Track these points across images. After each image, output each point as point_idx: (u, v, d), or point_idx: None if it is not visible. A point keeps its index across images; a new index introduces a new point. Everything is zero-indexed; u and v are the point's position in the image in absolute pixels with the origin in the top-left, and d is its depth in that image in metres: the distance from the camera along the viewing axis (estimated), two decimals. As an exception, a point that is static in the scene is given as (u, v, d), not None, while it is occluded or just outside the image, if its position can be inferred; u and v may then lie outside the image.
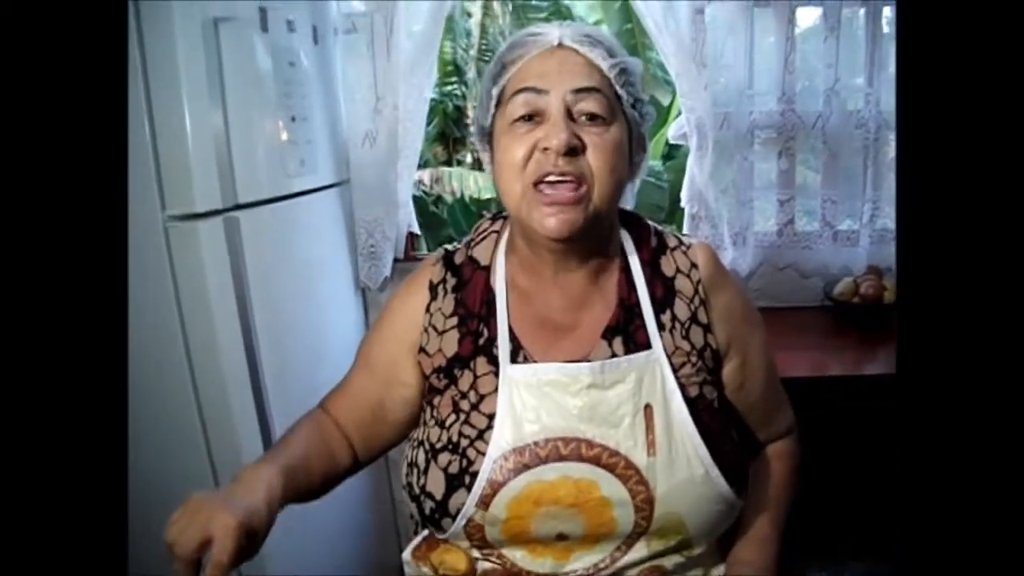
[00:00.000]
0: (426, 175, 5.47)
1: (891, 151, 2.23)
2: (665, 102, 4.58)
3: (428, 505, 1.00)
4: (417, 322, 1.08)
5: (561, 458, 0.97)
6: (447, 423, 1.02)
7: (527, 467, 0.96)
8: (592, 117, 0.97)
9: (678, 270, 1.07)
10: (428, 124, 2.39)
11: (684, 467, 0.97)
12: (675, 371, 1.01)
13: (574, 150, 0.95)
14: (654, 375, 1.00)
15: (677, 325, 1.04)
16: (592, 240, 1.02)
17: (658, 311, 1.04)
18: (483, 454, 0.98)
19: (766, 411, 1.17)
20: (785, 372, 1.22)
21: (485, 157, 1.08)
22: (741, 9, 2.12)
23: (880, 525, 1.79)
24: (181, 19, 1.45)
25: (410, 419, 1.12)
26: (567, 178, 0.95)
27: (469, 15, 6.23)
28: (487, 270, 1.08)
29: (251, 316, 1.60)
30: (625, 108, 1.01)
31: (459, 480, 0.98)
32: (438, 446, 1.01)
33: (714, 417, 1.04)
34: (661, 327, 1.03)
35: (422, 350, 1.07)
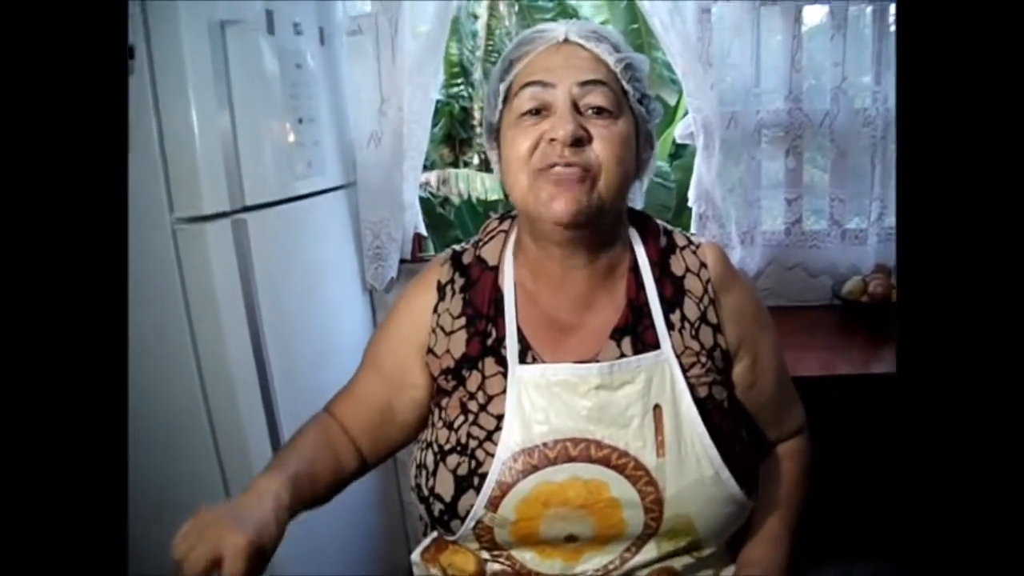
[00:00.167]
0: (433, 176, 5.46)
1: (898, 149, 2.22)
2: (672, 102, 4.57)
3: (437, 507, 0.99)
4: (425, 322, 1.08)
5: (570, 459, 0.96)
6: (455, 424, 1.02)
7: (536, 468, 0.96)
8: (599, 110, 0.97)
9: (687, 269, 1.07)
10: (434, 126, 2.39)
11: (694, 468, 0.97)
12: (684, 371, 1.01)
13: (580, 141, 0.95)
14: (663, 375, 1.00)
15: (686, 325, 1.04)
16: (599, 234, 1.02)
17: (667, 311, 1.04)
18: (492, 455, 0.97)
19: (777, 411, 1.16)
20: (794, 371, 1.21)
21: (493, 156, 1.07)
22: (747, 8, 2.11)
23: (889, 525, 1.78)
24: (188, 21, 1.45)
25: (418, 421, 1.11)
26: (573, 167, 0.95)
27: (475, 16, 6.22)
28: (495, 270, 1.08)
29: (259, 318, 1.60)
30: (632, 103, 1.00)
31: (468, 482, 0.98)
32: (447, 448, 1.01)
33: (724, 417, 1.03)
34: (670, 327, 1.03)
35: (430, 351, 1.07)
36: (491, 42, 6.19)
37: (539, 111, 0.97)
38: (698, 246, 1.09)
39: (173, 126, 1.47)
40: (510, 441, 0.97)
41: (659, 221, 1.13)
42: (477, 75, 6.20)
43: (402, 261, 2.35)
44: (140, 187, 1.39)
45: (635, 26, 4.67)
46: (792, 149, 2.23)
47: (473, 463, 0.98)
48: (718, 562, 1.08)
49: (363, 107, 2.21)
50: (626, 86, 1.00)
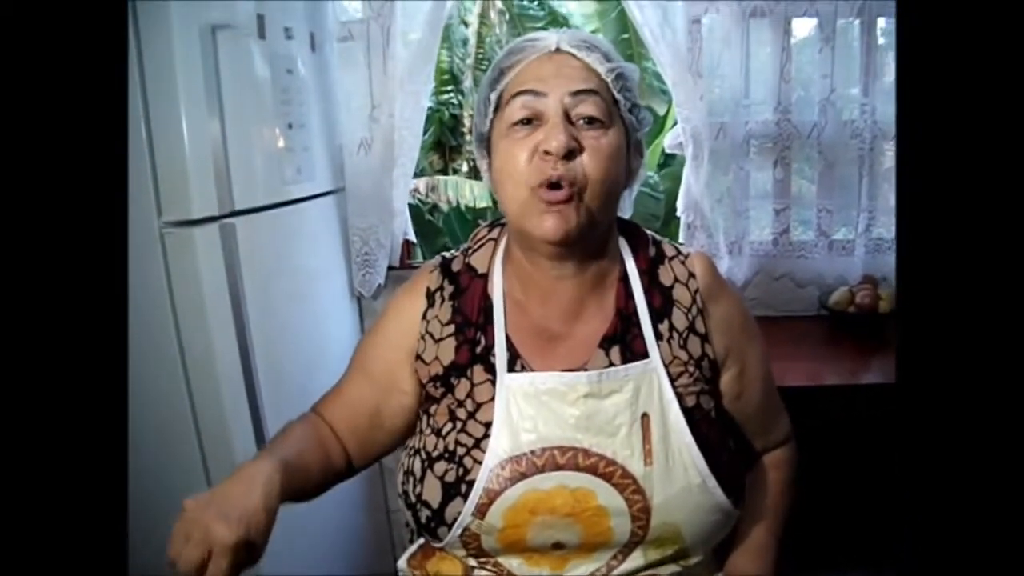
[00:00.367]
0: (422, 184, 5.47)
1: (887, 161, 2.24)
2: (661, 112, 4.60)
3: (424, 514, 0.99)
4: (414, 329, 1.08)
5: (558, 467, 0.96)
6: (444, 432, 1.02)
7: (524, 476, 0.96)
8: (590, 120, 0.97)
9: (676, 279, 1.07)
10: (424, 133, 2.39)
11: (681, 476, 0.97)
12: (672, 381, 1.01)
13: (571, 152, 0.95)
14: (651, 384, 1.00)
15: (675, 335, 1.04)
16: (588, 246, 1.02)
17: (656, 320, 1.04)
18: (479, 463, 0.97)
19: (763, 421, 1.17)
20: (781, 381, 1.22)
21: (483, 164, 1.07)
22: (737, 20, 2.13)
23: (877, 534, 1.78)
24: (179, 26, 1.44)
25: (406, 426, 1.11)
26: (562, 188, 0.94)
27: (466, 24, 6.24)
28: (484, 278, 1.08)
29: (246, 323, 1.59)
30: (622, 112, 1.01)
31: (455, 489, 0.97)
32: (434, 455, 1.01)
33: (711, 427, 1.03)
34: (659, 336, 1.03)
35: (419, 357, 1.07)
36: (481, 50, 6.21)
37: (531, 120, 0.97)
38: (687, 256, 1.09)
39: (163, 129, 1.46)
40: (498, 449, 0.97)
41: (648, 231, 1.13)
42: (467, 82, 6.22)
43: (390, 268, 2.35)
44: (128, 190, 1.39)
45: (625, 36, 4.70)
46: (780, 160, 2.25)
47: (461, 470, 0.98)
48: (705, 571, 1.08)
49: (354, 113, 2.21)
50: (617, 95, 1.00)
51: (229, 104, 1.56)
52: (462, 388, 1.03)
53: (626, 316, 1.04)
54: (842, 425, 1.79)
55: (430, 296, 1.09)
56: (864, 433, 1.78)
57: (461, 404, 1.02)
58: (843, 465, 1.79)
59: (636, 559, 1.00)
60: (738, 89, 2.19)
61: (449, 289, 1.08)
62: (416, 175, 2.51)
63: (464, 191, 5.46)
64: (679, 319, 1.05)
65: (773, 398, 1.19)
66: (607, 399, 0.98)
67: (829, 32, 2.13)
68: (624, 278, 1.06)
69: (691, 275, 1.07)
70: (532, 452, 0.97)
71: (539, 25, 5.72)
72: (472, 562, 1.03)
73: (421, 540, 1.09)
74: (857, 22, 2.16)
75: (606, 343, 1.02)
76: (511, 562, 1.01)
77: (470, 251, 1.12)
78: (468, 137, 6.40)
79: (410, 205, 2.38)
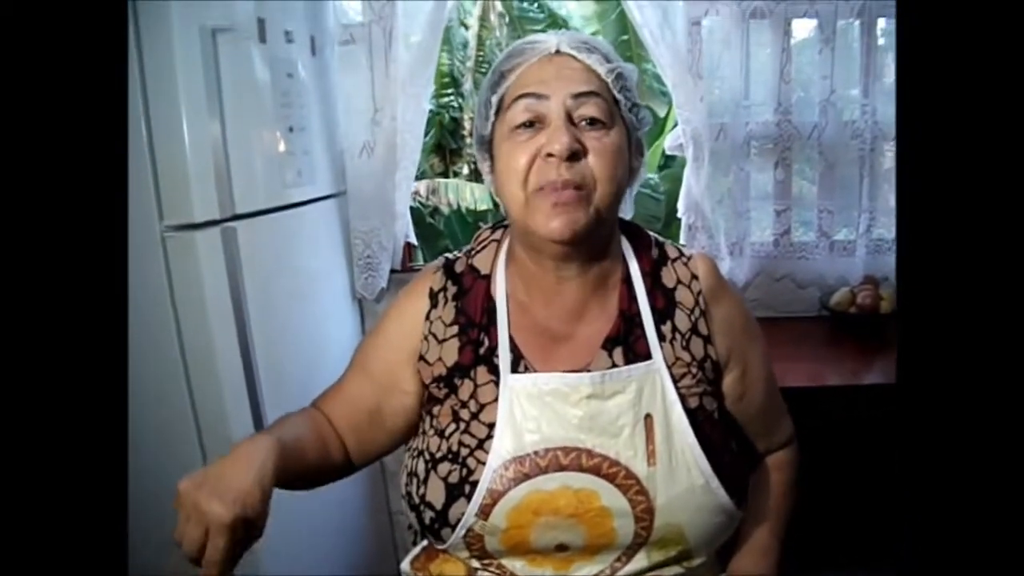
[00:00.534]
0: (422, 186, 5.48)
1: (887, 162, 2.24)
2: (661, 113, 4.60)
3: (428, 515, 0.99)
4: (417, 329, 1.08)
5: (561, 468, 0.96)
6: (447, 432, 1.02)
7: (527, 476, 0.96)
8: (592, 121, 0.97)
9: (679, 281, 1.07)
10: (425, 136, 2.39)
11: (684, 477, 0.97)
12: (675, 382, 1.01)
13: (576, 154, 0.95)
14: (654, 385, 1.00)
15: (677, 336, 1.04)
16: (593, 246, 1.02)
17: (658, 322, 1.04)
18: (483, 463, 0.97)
19: (766, 422, 1.17)
20: (783, 382, 1.22)
21: (484, 167, 1.07)
22: (737, 21, 2.13)
23: (877, 535, 1.78)
24: (179, 29, 1.45)
25: (406, 426, 1.11)
26: (568, 188, 0.95)
27: (466, 26, 6.25)
28: (487, 279, 1.08)
29: (248, 326, 1.59)
30: (623, 113, 1.01)
31: (459, 489, 0.98)
32: (438, 456, 1.01)
33: (714, 428, 1.03)
34: (661, 338, 1.03)
35: (422, 358, 1.07)
36: (481, 52, 6.22)
37: (533, 123, 0.98)
38: (689, 258, 1.09)
39: (164, 133, 1.46)
40: (501, 449, 0.97)
41: (651, 233, 1.13)
42: (467, 85, 6.23)
43: (392, 271, 2.35)
44: (129, 194, 1.39)
45: (625, 38, 4.71)
46: (781, 161, 2.25)
47: (464, 471, 0.98)
48: (708, 572, 1.08)
49: (356, 117, 2.21)
50: (618, 96, 1.00)
51: (230, 108, 1.56)
52: (465, 389, 1.03)
53: (629, 317, 1.04)
54: (843, 425, 1.79)
55: (433, 297, 1.09)
56: (865, 434, 1.78)
57: (464, 405, 1.02)
58: (844, 465, 1.79)
59: (640, 561, 1.00)
60: (738, 90, 2.19)
61: (452, 290, 1.08)
62: (417, 178, 2.51)
63: (465, 194, 5.47)
64: (682, 320, 1.05)
65: (775, 399, 1.19)
66: (610, 400, 0.98)
67: (829, 33, 2.14)
68: (627, 279, 1.06)
69: (694, 277, 1.07)
70: (535, 453, 0.97)
71: (539, 27, 5.73)
72: (476, 564, 1.03)
73: (424, 542, 1.09)
74: (857, 23, 2.16)
75: (609, 344, 1.02)
76: (515, 564, 1.01)
77: (473, 252, 1.12)
78: (468, 140, 6.41)
79: (411, 208, 2.38)
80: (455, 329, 1.06)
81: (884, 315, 2.14)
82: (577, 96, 0.97)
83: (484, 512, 0.96)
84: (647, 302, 1.05)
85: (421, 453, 1.03)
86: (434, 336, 1.07)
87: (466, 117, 6.46)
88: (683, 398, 1.01)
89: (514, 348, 1.03)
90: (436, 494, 0.99)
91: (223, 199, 1.55)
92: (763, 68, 2.20)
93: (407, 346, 1.08)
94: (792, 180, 2.29)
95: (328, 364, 1.92)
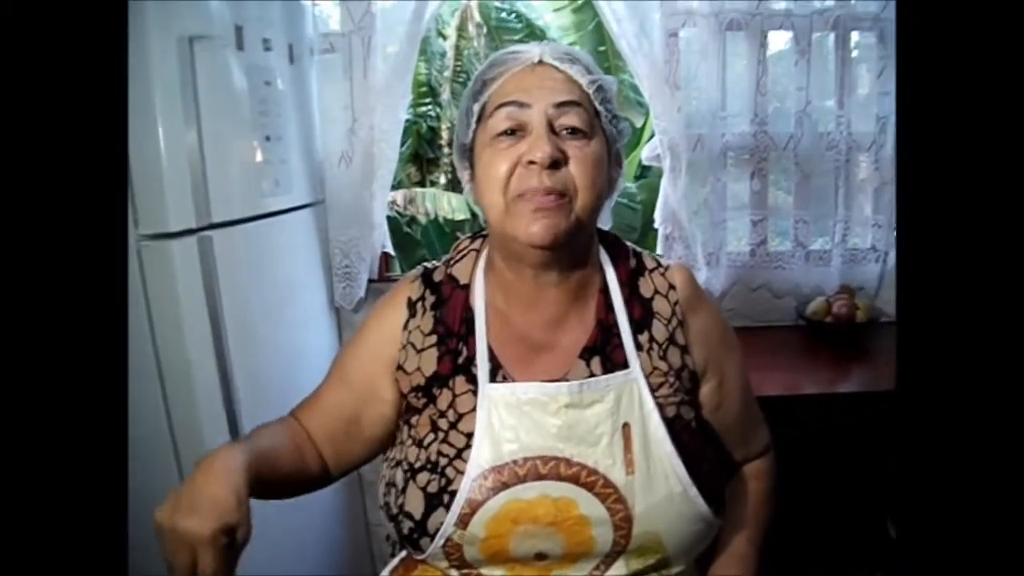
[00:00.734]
0: (399, 196, 5.48)
1: (861, 172, 2.27)
2: (638, 123, 4.62)
3: (406, 525, 0.99)
4: (395, 339, 1.08)
5: (540, 477, 0.96)
6: (425, 442, 1.02)
7: (506, 485, 0.96)
8: (573, 131, 0.98)
9: (656, 291, 1.08)
10: (401, 145, 2.39)
11: (662, 485, 0.98)
12: (653, 391, 1.02)
13: (557, 163, 0.96)
14: (632, 395, 1.00)
15: (655, 345, 1.05)
16: (572, 254, 1.02)
17: (636, 331, 1.05)
18: (462, 473, 0.97)
19: (743, 431, 1.18)
20: (759, 391, 1.22)
21: (464, 175, 1.08)
22: (714, 32, 2.15)
23: (855, 542, 1.79)
24: (156, 36, 1.44)
25: (384, 436, 1.11)
26: (550, 194, 0.95)
27: (444, 36, 6.25)
28: (466, 289, 1.08)
29: (224, 336, 1.58)
30: (604, 124, 1.02)
31: (438, 499, 0.97)
32: (416, 465, 1.00)
33: (692, 437, 1.04)
34: (639, 347, 1.04)
35: (400, 368, 1.06)
36: (459, 62, 6.22)
37: (514, 131, 0.98)
38: (666, 268, 1.10)
39: (139, 141, 1.44)
40: (480, 459, 0.97)
41: (628, 243, 1.13)
42: (445, 95, 6.23)
43: (370, 280, 2.34)
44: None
45: (602, 48, 4.73)
46: (757, 171, 2.27)
47: (443, 480, 0.98)
48: (686, 580, 1.08)
49: (333, 126, 2.21)
50: (598, 107, 1.01)
51: (206, 116, 1.55)
52: (444, 399, 1.03)
53: (607, 327, 1.04)
54: (819, 434, 1.80)
55: (411, 306, 1.09)
56: (841, 442, 1.80)
57: (443, 415, 1.02)
58: (820, 474, 1.80)
59: (619, 569, 1.00)
60: (715, 101, 2.21)
61: (431, 299, 1.08)
62: (394, 187, 2.51)
63: (442, 203, 5.46)
64: (659, 330, 1.05)
65: (752, 409, 1.20)
66: (588, 409, 0.99)
67: (804, 45, 2.16)
68: (605, 289, 1.07)
69: (671, 287, 1.08)
70: (514, 462, 0.97)
71: (517, 38, 5.74)
72: (455, 574, 1.02)
73: (403, 553, 1.08)
74: (832, 35, 2.18)
75: (587, 354, 1.03)
76: (494, 573, 1.00)
77: (452, 262, 1.12)
78: (446, 150, 6.41)
79: (388, 217, 2.38)
80: (433, 339, 1.06)
81: (860, 324, 2.16)
82: (559, 105, 0.98)
83: (463, 521, 0.96)
84: (624, 312, 1.05)
85: (399, 463, 1.03)
86: (412, 346, 1.06)
87: (443, 126, 6.46)
88: (661, 407, 1.01)
89: (492, 357, 1.03)
90: (415, 504, 0.98)
91: (199, 208, 1.54)
92: (739, 79, 2.22)
93: (385, 356, 1.08)
94: (768, 190, 2.31)
95: (306, 374, 1.90)
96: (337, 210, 2.25)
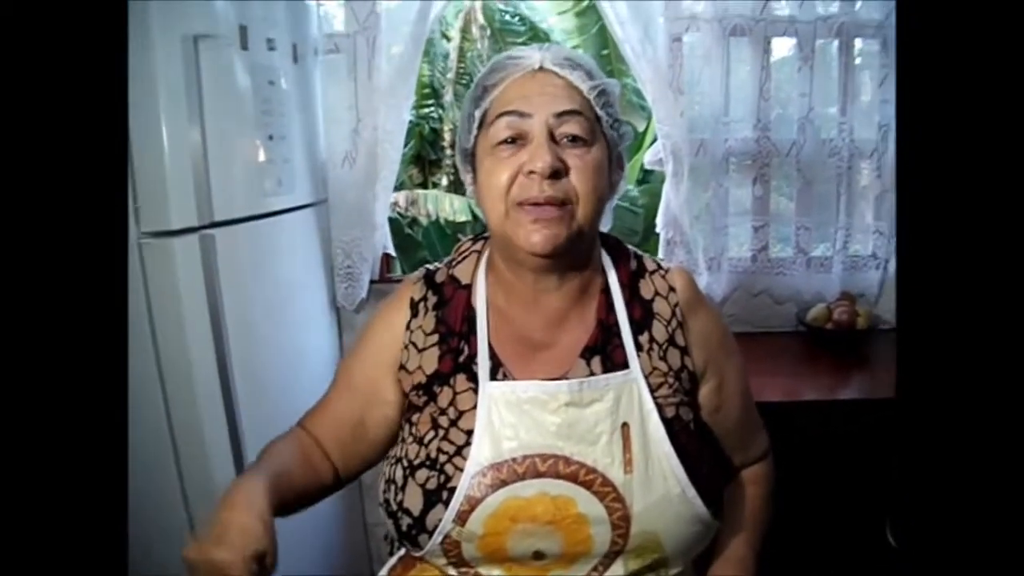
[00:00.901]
0: (401, 197, 5.47)
1: (863, 179, 2.27)
2: (640, 127, 4.62)
3: (405, 521, 0.99)
4: (398, 340, 1.08)
5: (539, 474, 0.97)
6: (426, 439, 1.02)
7: (505, 483, 0.96)
8: (574, 139, 0.98)
9: (656, 293, 1.08)
10: (404, 146, 2.39)
11: (660, 485, 0.98)
12: (652, 391, 1.02)
13: (557, 172, 0.96)
14: (631, 394, 1.01)
15: (655, 346, 1.05)
16: (573, 259, 1.03)
17: (636, 332, 1.05)
18: (461, 470, 0.98)
19: (742, 435, 1.18)
20: (759, 396, 1.23)
21: (467, 178, 1.08)
22: (717, 38, 2.15)
23: (853, 549, 1.79)
24: (160, 35, 1.44)
25: (389, 438, 1.11)
26: (551, 204, 0.96)
27: (447, 38, 6.26)
28: (468, 289, 1.09)
29: (225, 335, 1.58)
30: (605, 129, 1.02)
31: (437, 496, 0.98)
32: (416, 462, 1.01)
33: (690, 438, 1.04)
34: (639, 348, 1.04)
35: (402, 367, 1.07)
36: (462, 64, 6.22)
37: (515, 140, 0.99)
38: (667, 271, 1.11)
39: (143, 139, 1.44)
40: (479, 456, 0.97)
41: (629, 246, 1.14)
42: (448, 96, 6.23)
43: (372, 281, 2.34)
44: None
45: (605, 52, 4.73)
46: (759, 177, 2.27)
47: (442, 477, 0.98)
48: (684, 582, 1.09)
49: (337, 126, 2.20)
50: (600, 112, 1.01)
51: (210, 115, 1.55)
52: (444, 396, 1.03)
53: (607, 327, 1.05)
54: (819, 441, 1.80)
55: (414, 307, 1.09)
56: (841, 448, 1.79)
57: (443, 412, 1.03)
58: (819, 481, 1.80)
59: (617, 569, 1.00)
60: (718, 106, 2.21)
61: (433, 300, 1.09)
62: (396, 189, 2.51)
63: (444, 205, 5.46)
64: (659, 331, 1.06)
65: (751, 413, 1.20)
66: (588, 408, 0.99)
67: (808, 52, 2.16)
68: (606, 289, 1.07)
69: (671, 289, 1.08)
70: (513, 459, 0.97)
71: (520, 40, 5.74)
72: (453, 572, 1.02)
73: (402, 551, 1.09)
74: (835, 42, 2.18)
75: (587, 353, 1.03)
76: (492, 572, 1.01)
77: (454, 263, 1.13)
78: (448, 151, 6.41)
79: (390, 219, 2.38)
80: (435, 338, 1.06)
81: (860, 331, 2.16)
82: (559, 115, 0.98)
83: (461, 518, 0.96)
84: (625, 312, 1.06)
85: (399, 460, 1.03)
86: (414, 345, 1.07)
87: (446, 128, 6.46)
88: (660, 407, 1.01)
89: (493, 356, 1.04)
90: (414, 500, 0.99)
91: (202, 206, 1.54)
92: (743, 85, 2.22)
93: (388, 357, 1.09)
94: (770, 196, 2.31)
95: (306, 374, 1.91)
96: (340, 210, 2.25)
